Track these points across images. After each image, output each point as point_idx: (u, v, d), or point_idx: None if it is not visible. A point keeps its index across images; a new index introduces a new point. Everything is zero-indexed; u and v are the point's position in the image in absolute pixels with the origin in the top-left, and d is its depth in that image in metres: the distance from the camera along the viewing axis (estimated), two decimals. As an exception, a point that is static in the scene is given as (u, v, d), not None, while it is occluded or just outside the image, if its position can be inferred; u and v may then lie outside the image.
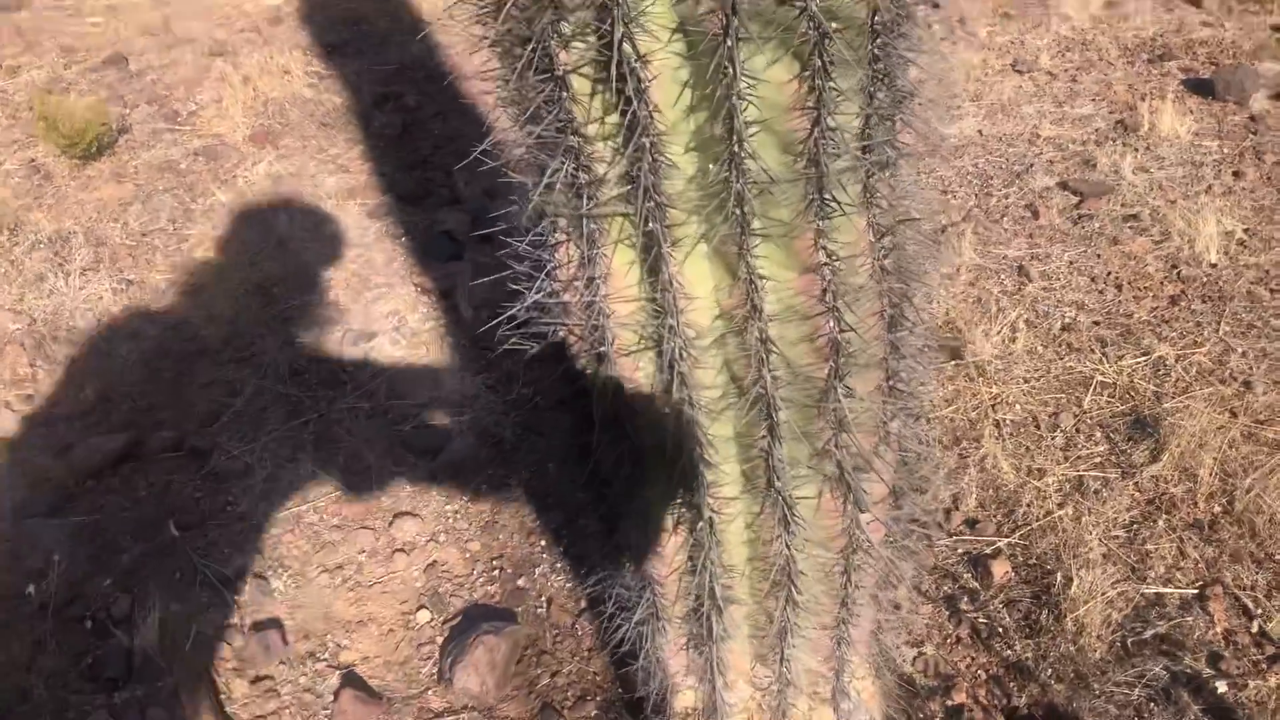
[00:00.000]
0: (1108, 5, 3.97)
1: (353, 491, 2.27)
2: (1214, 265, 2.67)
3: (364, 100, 3.95)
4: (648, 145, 1.00)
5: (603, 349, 1.13)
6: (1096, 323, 2.55)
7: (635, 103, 0.98)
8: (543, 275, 1.16)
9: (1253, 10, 3.87)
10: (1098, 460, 2.17)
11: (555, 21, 0.97)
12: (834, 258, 1.07)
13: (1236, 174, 3.00)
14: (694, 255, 1.09)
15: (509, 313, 1.18)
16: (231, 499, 2.30)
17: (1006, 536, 2.02)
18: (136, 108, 4.04)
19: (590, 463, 1.22)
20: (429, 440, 2.38)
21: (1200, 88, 3.41)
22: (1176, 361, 2.39)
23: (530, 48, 0.99)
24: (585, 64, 1.00)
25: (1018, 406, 2.32)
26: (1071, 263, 2.75)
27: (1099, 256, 2.76)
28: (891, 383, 1.19)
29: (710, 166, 1.02)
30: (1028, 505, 2.08)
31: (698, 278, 1.10)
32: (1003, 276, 2.73)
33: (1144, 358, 2.42)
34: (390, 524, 2.19)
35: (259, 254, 3.14)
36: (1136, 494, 2.08)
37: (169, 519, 2.24)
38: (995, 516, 2.07)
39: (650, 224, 1.05)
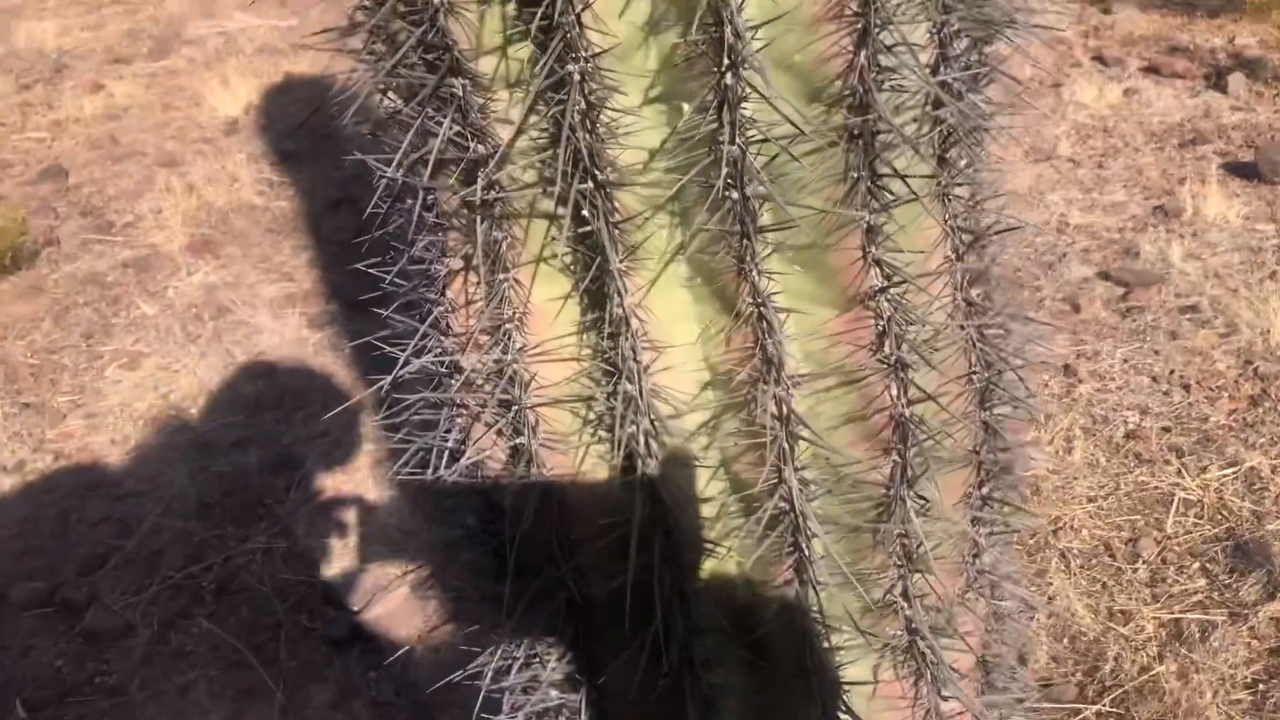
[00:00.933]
0: (1126, 93, 3.66)
1: (253, 654, 1.79)
2: (1297, 360, 2.26)
3: (316, 205, 3.59)
4: (577, 79, 0.58)
5: (520, 440, 0.70)
6: (1166, 428, 2.12)
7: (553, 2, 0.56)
8: (425, 326, 0.74)
9: (1287, 94, 3.56)
10: (1197, 598, 1.71)
11: None
12: (894, 279, 0.65)
13: (1303, 259, 2.62)
14: (666, 279, 0.66)
15: (375, 388, 0.76)
16: (103, 667, 1.83)
17: (1094, 703, 1.55)
18: (68, 219, 3.67)
19: (508, 621, 0.77)
20: (353, 588, 1.92)
21: (1242, 171, 3.05)
22: (1273, 473, 1.95)
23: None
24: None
25: (1085, 532, 1.87)
26: (1126, 360, 2.33)
27: (1157, 353, 2.34)
28: (987, 489, 0.75)
29: (684, 108, 0.60)
30: (1116, 659, 1.61)
31: (672, 315, 0.67)
32: (1047, 377, 2.31)
33: (1232, 469, 1.98)
34: (295, 692, 1.71)
35: (178, 370, 2.72)
36: (1254, 642, 1.62)
37: (18, 696, 1.76)
38: (1075, 674, 1.61)
39: (590, 222, 0.63)
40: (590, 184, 0.61)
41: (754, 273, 0.63)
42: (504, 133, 0.62)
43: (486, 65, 0.61)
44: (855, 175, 0.62)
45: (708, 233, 0.63)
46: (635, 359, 0.65)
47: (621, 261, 0.63)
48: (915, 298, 0.66)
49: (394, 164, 0.63)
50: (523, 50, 0.60)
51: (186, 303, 3.05)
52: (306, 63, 5.17)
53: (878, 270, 0.64)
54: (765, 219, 0.62)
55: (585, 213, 0.62)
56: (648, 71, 0.61)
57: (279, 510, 2.17)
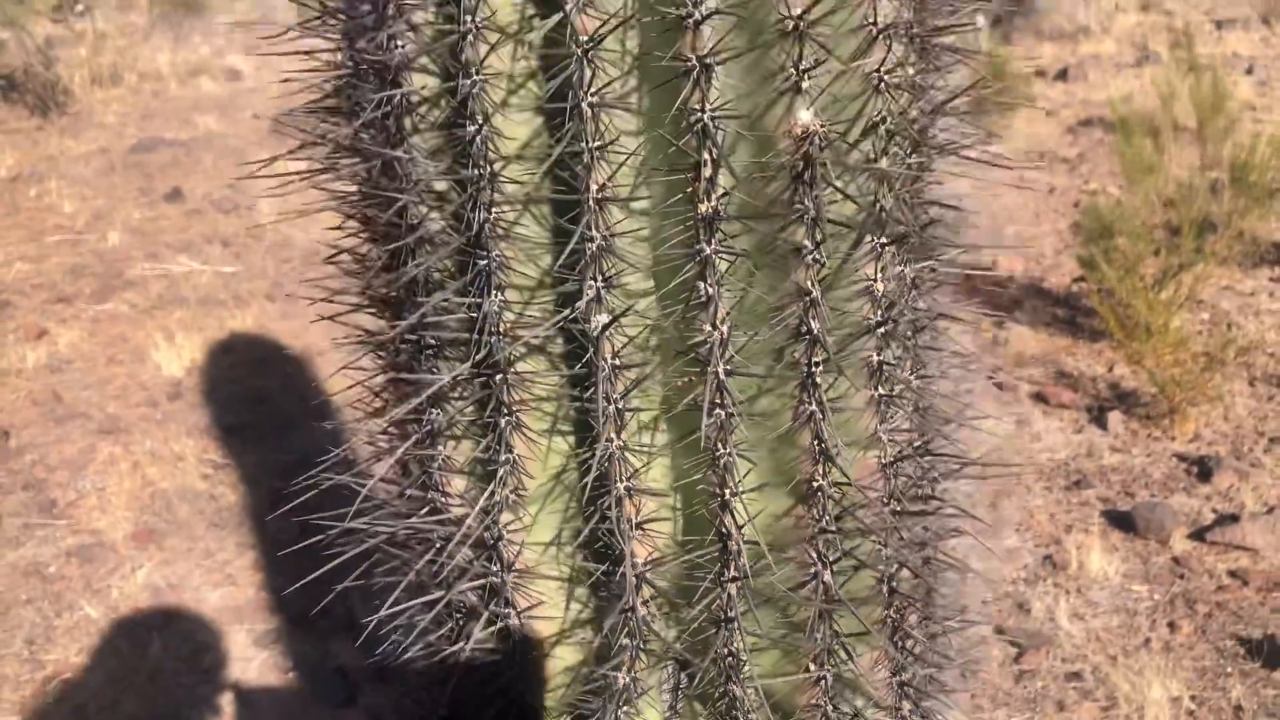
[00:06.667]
0: (1018, 423, 4.04)
1: None
2: (1168, 742, 2.51)
3: (261, 497, 3.73)
4: None
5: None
6: (1055, 814, 2.34)
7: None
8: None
9: (1156, 436, 3.97)
10: None
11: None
12: None
13: (1172, 625, 2.92)
14: None
15: None
16: None
17: None
18: (11, 494, 3.75)
19: None
20: None
21: (1121, 521, 3.40)
22: None
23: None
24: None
25: None
26: (1019, 733, 2.57)
27: (1047, 726, 2.59)
28: None
29: None
30: None
31: None
32: (949, 748, 2.52)
33: None
34: None
35: (125, 688, 2.79)
36: None
37: None
38: None
39: None
40: None
41: None
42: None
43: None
44: None
45: None
46: None
47: None
48: None
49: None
50: None
51: (131, 605, 3.14)
52: (250, 317, 5.38)
53: None
54: None
55: None
56: None
57: None
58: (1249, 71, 10.39)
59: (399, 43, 0.66)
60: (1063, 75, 11.02)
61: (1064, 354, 4.71)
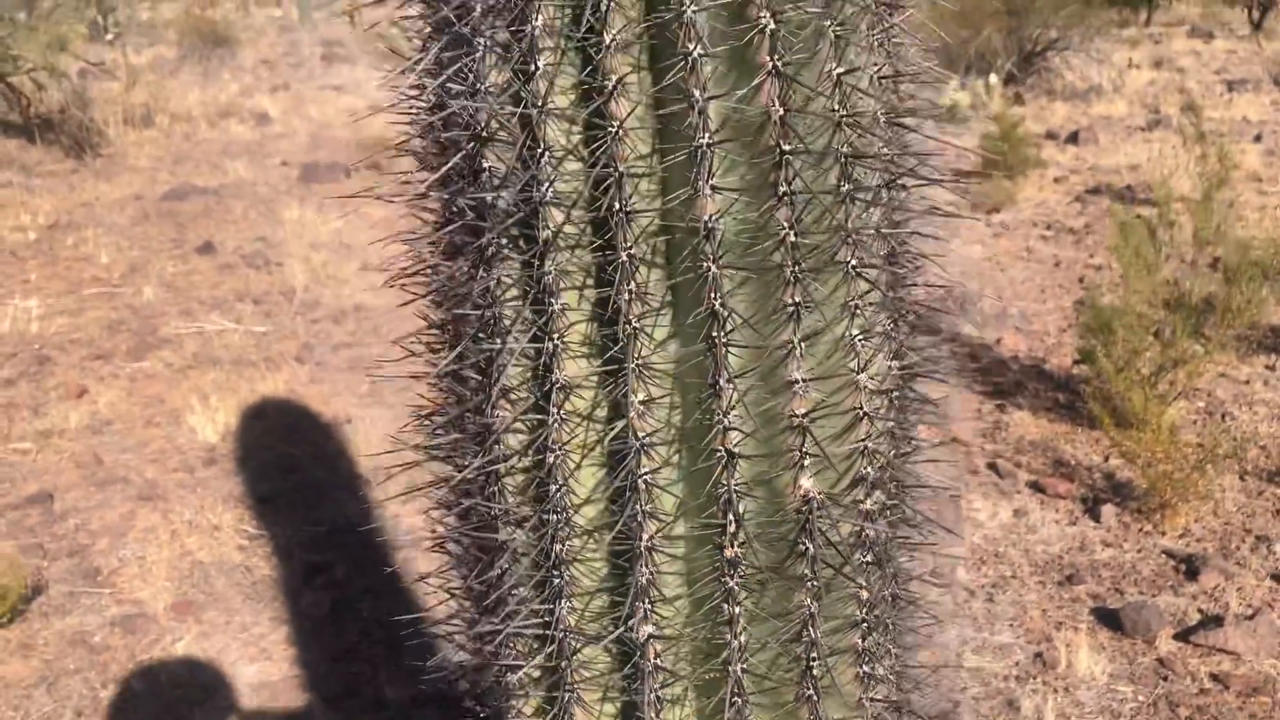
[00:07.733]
0: (1016, 514, 4.22)
1: None
2: (1145, 846, 2.68)
3: (294, 570, 3.93)
4: None
5: None
6: None
7: None
8: None
9: (1147, 530, 4.15)
10: None
11: None
12: None
13: (1154, 729, 3.09)
14: None
15: None
16: None
17: None
18: (57, 560, 3.96)
19: None
20: None
21: (1109, 619, 3.57)
22: None
23: None
24: None
25: None
26: (1005, 834, 2.74)
27: (1031, 828, 2.76)
28: None
29: None
30: None
31: None
32: (938, 847, 2.70)
33: None
34: None
35: (168, 765, 2.98)
36: None
37: None
38: None
39: None
40: None
41: None
42: None
43: None
44: None
45: None
46: None
47: None
48: None
49: None
50: None
51: (171, 679, 3.33)
52: (280, 381, 5.60)
53: None
54: None
55: None
56: None
57: None
58: (1258, 139, 10.54)
59: (498, 414, 0.87)
60: (1073, 138, 11.19)
61: (1063, 440, 4.90)
